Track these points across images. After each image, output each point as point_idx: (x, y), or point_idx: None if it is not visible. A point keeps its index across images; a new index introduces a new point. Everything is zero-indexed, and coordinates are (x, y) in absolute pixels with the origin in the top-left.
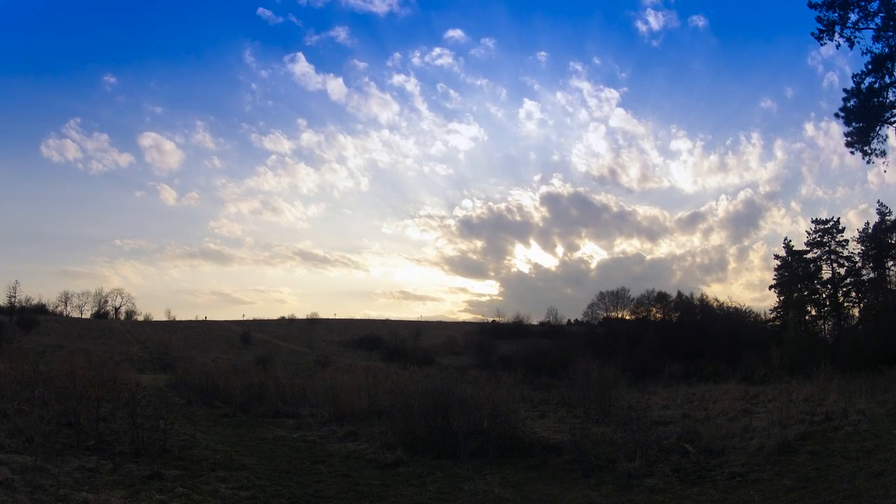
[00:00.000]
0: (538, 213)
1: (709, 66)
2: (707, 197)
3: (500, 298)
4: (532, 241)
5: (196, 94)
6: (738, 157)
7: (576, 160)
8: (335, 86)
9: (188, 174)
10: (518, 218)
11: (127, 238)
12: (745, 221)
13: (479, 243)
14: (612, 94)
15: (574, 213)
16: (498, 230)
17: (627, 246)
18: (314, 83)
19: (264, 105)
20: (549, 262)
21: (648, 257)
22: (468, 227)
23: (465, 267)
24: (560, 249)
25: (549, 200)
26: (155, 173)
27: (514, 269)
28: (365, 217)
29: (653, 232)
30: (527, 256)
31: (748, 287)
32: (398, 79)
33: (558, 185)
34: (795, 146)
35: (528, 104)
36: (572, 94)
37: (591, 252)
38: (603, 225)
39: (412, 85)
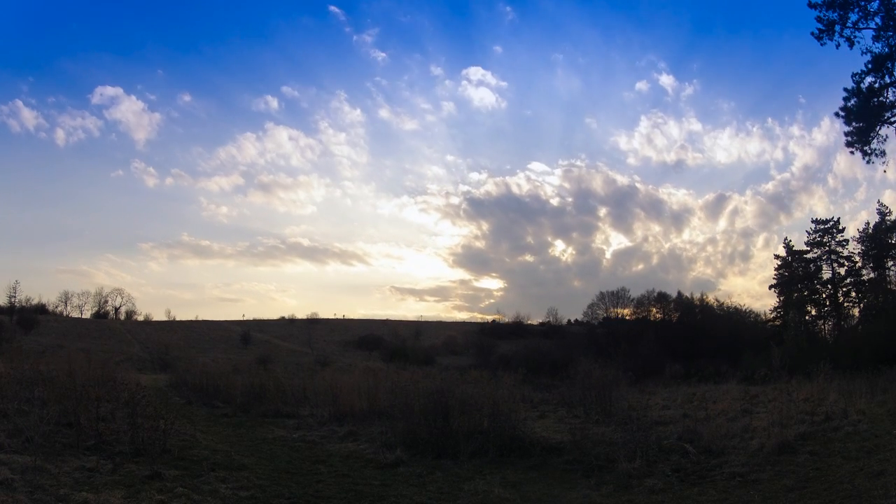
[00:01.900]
0: (554, 189)
1: (773, 13)
2: (741, 172)
3: (501, 293)
4: (544, 222)
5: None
6: (780, 120)
7: (606, 125)
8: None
9: (159, 145)
10: (531, 195)
11: (101, 228)
12: (777, 203)
13: (485, 226)
14: (661, 35)
15: (595, 193)
16: (508, 210)
17: (647, 231)
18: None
19: (239, 48)
20: (561, 248)
21: (668, 245)
22: (474, 206)
23: (468, 258)
24: (575, 234)
25: (570, 176)
26: (122, 143)
27: (520, 259)
28: (360, 194)
29: (677, 215)
30: (537, 241)
31: (771, 280)
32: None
33: (581, 156)
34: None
35: (562, 47)
36: (614, 36)
37: (609, 238)
38: (624, 206)
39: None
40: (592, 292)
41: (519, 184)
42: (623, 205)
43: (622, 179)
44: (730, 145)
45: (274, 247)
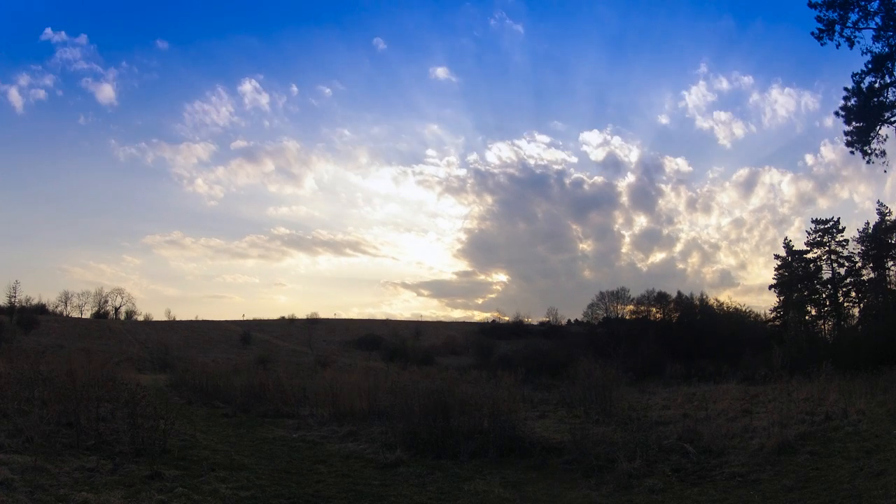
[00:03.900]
0: (575, 157)
1: None
2: (786, 139)
3: (506, 287)
4: (560, 199)
5: None
6: (840, 73)
7: (649, 73)
8: None
9: (124, 105)
10: (547, 166)
11: (74, 219)
12: (818, 181)
13: (490, 200)
14: None
15: (621, 163)
16: (520, 184)
17: (672, 213)
18: None
19: None
20: (576, 232)
21: (691, 230)
22: (481, 181)
23: (473, 245)
24: (593, 214)
25: (594, 142)
26: (85, 102)
27: (530, 247)
28: (351, 161)
29: (707, 195)
30: (550, 224)
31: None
32: None
33: (610, 111)
34: None
35: None
36: None
37: (630, 218)
38: (651, 181)
39: None
40: (605, 286)
41: (534, 151)
42: (650, 178)
43: (654, 148)
44: (777, 100)
45: (259, 236)
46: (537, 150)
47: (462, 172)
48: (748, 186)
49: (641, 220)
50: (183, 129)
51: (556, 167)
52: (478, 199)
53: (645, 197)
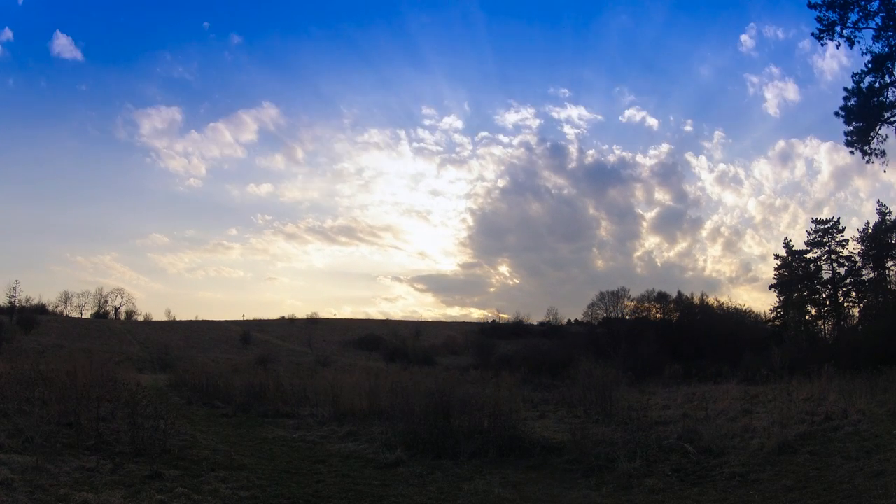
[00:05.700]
0: (602, 118)
1: None
2: (833, 104)
3: (510, 280)
4: (575, 169)
5: None
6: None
7: (696, 15)
8: None
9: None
10: (565, 134)
11: (51, 212)
12: (857, 156)
13: (498, 172)
14: None
15: (649, 132)
16: (534, 155)
17: (698, 192)
18: None
19: None
20: (593, 214)
21: (715, 212)
22: (487, 147)
23: (478, 232)
24: (613, 191)
25: (620, 102)
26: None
27: (540, 237)
28: (339, 124)
29: (736, 169)
30: (564, 200)
31: None
32: None
33: (644, 71)
34: None
35: None
36: None
37: (650, 200)
38: (678, 154)
39: None
40: (618, 279)
41: (549, 108)
42: (680, 147)
43: (686, 110)
44: (829, 50)
45: (242, 227)
46: (554, 106)
47: (464, 139)
48: (784, 160)
49: (665, 199)
50: (152, 89)
51: (574, 130)
52: (483, 171)
53: (671, 172)
